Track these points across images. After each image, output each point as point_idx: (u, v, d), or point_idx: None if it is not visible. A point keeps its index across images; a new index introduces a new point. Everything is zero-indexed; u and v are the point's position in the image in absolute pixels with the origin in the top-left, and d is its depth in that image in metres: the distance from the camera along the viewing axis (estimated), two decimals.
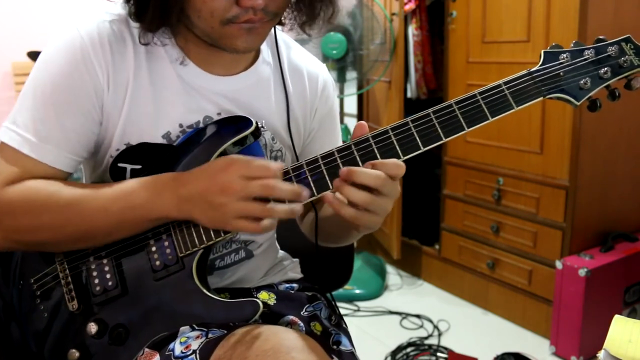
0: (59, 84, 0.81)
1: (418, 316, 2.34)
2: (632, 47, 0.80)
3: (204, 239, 0.81)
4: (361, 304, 2.47)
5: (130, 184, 0.82)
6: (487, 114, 0.78)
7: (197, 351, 0.75)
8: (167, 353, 0.77)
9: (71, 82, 0.81)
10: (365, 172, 0.74)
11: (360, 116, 3.03)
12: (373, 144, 0.78)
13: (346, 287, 2.50)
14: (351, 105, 3.07)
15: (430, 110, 0.78)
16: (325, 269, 1.15)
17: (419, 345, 2.12)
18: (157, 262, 0.82)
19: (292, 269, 1.08)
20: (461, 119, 0.78)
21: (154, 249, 0.83)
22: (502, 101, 0.78)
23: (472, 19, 2.24)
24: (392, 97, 2.52)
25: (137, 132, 0.85)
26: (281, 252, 1.10)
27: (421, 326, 2.28)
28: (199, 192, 0.77)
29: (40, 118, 0.82)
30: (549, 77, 0.80)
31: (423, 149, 0.78)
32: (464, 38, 2.29)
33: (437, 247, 2.61)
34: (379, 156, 0.78)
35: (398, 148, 0.78)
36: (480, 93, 0.79)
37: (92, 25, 0.83)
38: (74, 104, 0.82)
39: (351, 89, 2.78)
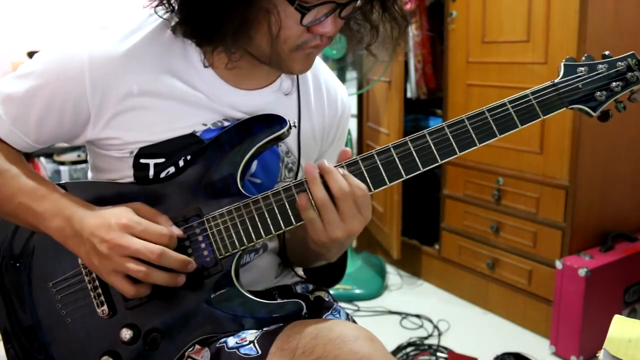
0: (45, 84, 0.82)
1: (418, 316, 2.34)
2: (637, 63, 0.84)
3: (245, 240, 0.80)
4: (361, 304, 2.47)
5: (46, 190, 0.82)
6: (517, 122, 0.81)
7: (255, 341, 0.75)
8: (218, 345, 0.77)
9: (54, 90, 0.82)
10: (335, 175, 0.75)
11: (360, 116, 3.03)
12: (429, 140, 0.79)
13: (346, 287, 2.51)
14: (351, 105, 3.07)
15: (464, 116, 0.81)
16: (320, 269, 1.14)
17: (419, 345, 2.12)
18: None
19: (297, 270, 1.08)
20: (493, 126, 0.81)
21: (190, 251, 0.82)
22: (530, 110, 0.82)
23: (472, 19, 2.24)
24: (392, 97, 2.52)
25: (158, 132, 0.84)
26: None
27: (421, 326, 2.28)
28: (89, 232, 0.77)
29: (22, 101, 0.83)
30: (570, 88, 0.84)
31: (459, 154, 0.81)
32: (464, 38, 2.28)
33: (437, 247, 2.61)
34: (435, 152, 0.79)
35: (455, 145, 0.80)
36: (510, 102, 0.81)
37: (101, 43, 0.82)
38: (54, 108, 0.83)
39: (351, 89, 2.78)
